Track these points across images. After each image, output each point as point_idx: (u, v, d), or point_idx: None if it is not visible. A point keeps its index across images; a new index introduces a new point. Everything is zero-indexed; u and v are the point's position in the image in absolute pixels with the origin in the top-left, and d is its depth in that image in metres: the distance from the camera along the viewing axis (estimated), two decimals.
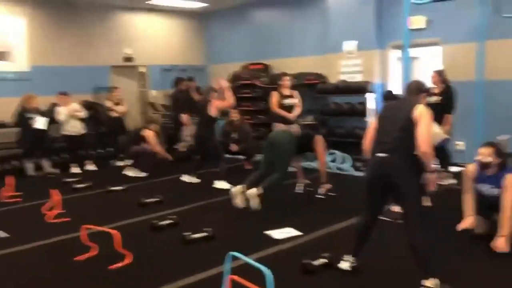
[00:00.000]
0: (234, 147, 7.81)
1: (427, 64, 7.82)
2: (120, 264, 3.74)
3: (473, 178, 3.93)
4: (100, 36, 9.86)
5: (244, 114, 8.74)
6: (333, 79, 8.73)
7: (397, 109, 3.35)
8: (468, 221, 4.00)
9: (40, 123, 7.57)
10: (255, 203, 5.13)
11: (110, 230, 3.81)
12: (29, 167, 7.69)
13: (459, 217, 4.15)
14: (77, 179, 7.13)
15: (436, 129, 5.71)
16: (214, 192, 6.20)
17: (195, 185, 6.73)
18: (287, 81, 6.91)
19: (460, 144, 7.43)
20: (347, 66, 8.58)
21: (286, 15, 9.85)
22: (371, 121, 3.68)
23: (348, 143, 8.12)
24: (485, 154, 3.71)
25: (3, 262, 4.03)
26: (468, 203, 4.01)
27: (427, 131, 3.12)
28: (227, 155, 7.43)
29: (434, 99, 6.36)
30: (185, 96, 8.82)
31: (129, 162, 7.85)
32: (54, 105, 8.01)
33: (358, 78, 8.38)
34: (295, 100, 6.92)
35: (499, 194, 3.74)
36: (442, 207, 4.94)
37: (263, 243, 4.17)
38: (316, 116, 8.55)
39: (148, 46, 10.57)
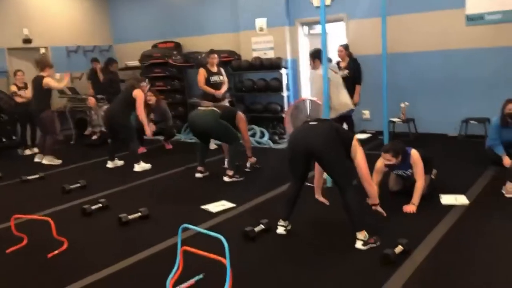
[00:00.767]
0: (152, 127, 7.63)
1: (335, 39, 8.26)
2: (56, 252, 3.63)
3: (383, 171, 4.38)
4: None
5: (159, 94, 8.61)
6: (246, 56, 8.89)
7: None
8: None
9: None
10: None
11: (43, 218, 3.67)
12: None
13: None
14: None
15: (347, 100, 6.16)
16: (137, 174, 6.10)
17: (116, 169, 6.54)
18: (216, 59, 6.91)
19: (366, 113, 8.07)
20: (259, 43, 8.80)
21: None
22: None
23: (265, 117, 8.47)
24: (387, 159, 4.21)
25: None
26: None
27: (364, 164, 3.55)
28: (146, 137, 7.27)
29: (343, 73, 6.84)
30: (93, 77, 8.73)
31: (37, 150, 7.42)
32: None
33: (270, 54, 8.65)
34: (223, 77, 6.99)
35: (411, 173, 4.31)
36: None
37: (200, 217, 4.26)
38: (232, 93, 8.69)
39: (49, 26, 9.93)
